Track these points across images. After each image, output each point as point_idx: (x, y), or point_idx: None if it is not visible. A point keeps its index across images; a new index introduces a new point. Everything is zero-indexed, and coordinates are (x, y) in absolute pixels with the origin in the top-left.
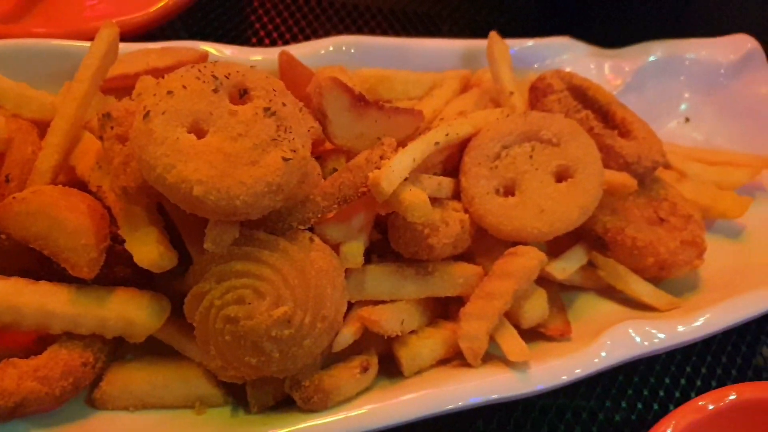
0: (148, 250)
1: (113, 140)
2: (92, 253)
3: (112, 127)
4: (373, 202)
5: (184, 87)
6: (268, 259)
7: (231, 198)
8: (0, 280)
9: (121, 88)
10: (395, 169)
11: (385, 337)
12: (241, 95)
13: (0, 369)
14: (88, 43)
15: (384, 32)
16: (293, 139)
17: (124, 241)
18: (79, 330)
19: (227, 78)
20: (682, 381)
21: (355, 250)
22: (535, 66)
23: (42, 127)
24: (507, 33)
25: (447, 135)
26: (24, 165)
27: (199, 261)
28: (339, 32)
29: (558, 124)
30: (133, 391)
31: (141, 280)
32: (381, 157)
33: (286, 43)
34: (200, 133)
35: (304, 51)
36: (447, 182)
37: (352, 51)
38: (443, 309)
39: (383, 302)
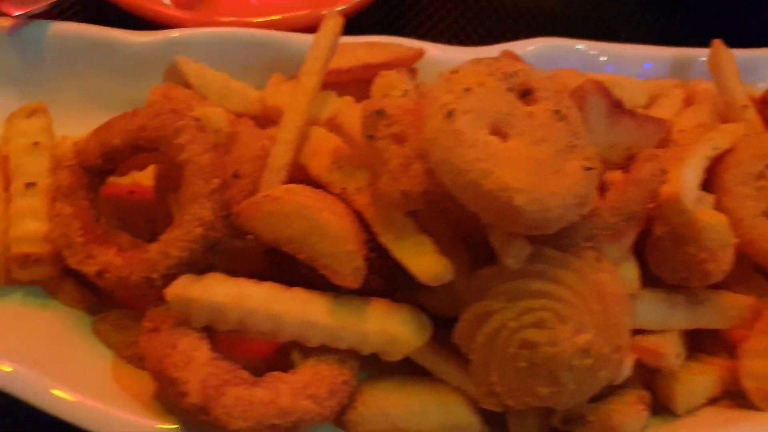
0: (427, 261)
1: (388, 140)
2: (357, 260)
3: (387, 126)
4: (640, 220)
5: (481, 85)
6: (566, 279)
7: (547, 210)
8: (255, 285)
9: (334, 83)
10: (690, 185)
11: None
12: (524, 95)
13: (270, 384)
14: (291, 34)
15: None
16: (585, 146)
17: (374, 248)
18: (336, 344)
19: (514, 76)
20: None
21: (632, 273)
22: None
23: None
24: (691, 43)
25: (714, 149)
26: (255, 162)
27: (480, 276)
28: (508, 33)
29: None
30: (388, 414)
31: (389, 291)
32: (662, 171)
33: (461, 42)
34: (501, 136)
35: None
36: (708, 200)
37: (552, 53)
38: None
39: (647, 332)
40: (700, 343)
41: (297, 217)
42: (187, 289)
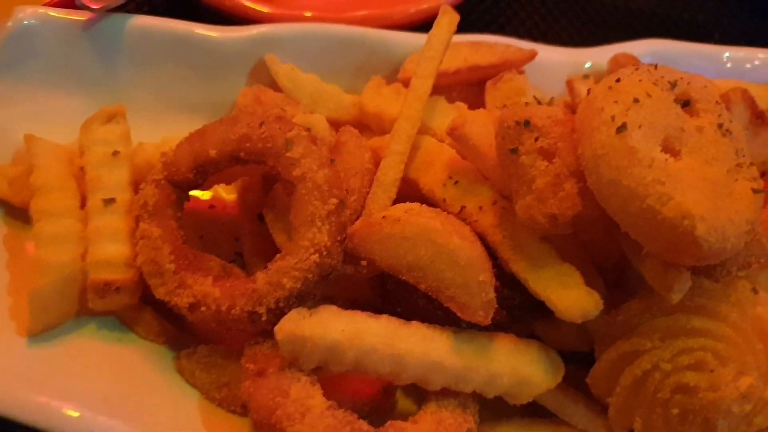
0: (574, 295)
1: (535, 155)
2: (490, 293)
3: (536, 139)
4: None
5: (649, 95)
6: (728, 315)
7: (725, 240)
8: (372, 320)
9: (435, 86)
10: None
11: None
12: (683, 106)
13: None
14: (386, 32)
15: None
16: (749, 164)
17: (498, 276)
18: (462, 386)
19: (677, 85)
20: None
21: None
22: None
23: (335, 128)
24: None
25: None
26: (363, 176)
27: (625, 311)
28: (597, 32)
29: None
30: None
31: (506, 324)
32: None
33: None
34: (672, 153)
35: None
36: None
37: (665, 55)
38: None
39: None
40: None
41: (422, 242)
42: (299, 326)
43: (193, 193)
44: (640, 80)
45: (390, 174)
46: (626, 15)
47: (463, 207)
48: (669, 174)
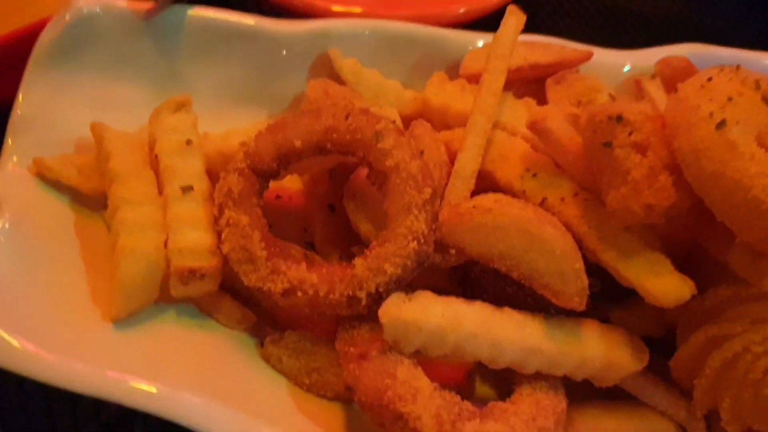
0: (667, 281)
1: (629, 149)
2: (584, 280)
3: (630, 133)
4: None
5: (741, 95)
6: None
7: None
8: (466, 306)
9: None
10: None
11: None
12: None
13: (500, 417)
14: (446, 30)
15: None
16: None
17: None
18: (554, 370)
19: (761, 86)
20: None
21: None
22: None
23: None
24: None
25: None
26: (441, 168)
27: (712, 297)
28: (625, 35)
29: None
30: None
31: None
32: None
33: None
34: (765, 148)
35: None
36: None
37: (707, 60)
38: None
39: None
40: None
41: (515, 232)
42: (402, 310)
43: None
44: (730, 80)
45: (468, 166)
46: (651, 21)
47: (544, 198)
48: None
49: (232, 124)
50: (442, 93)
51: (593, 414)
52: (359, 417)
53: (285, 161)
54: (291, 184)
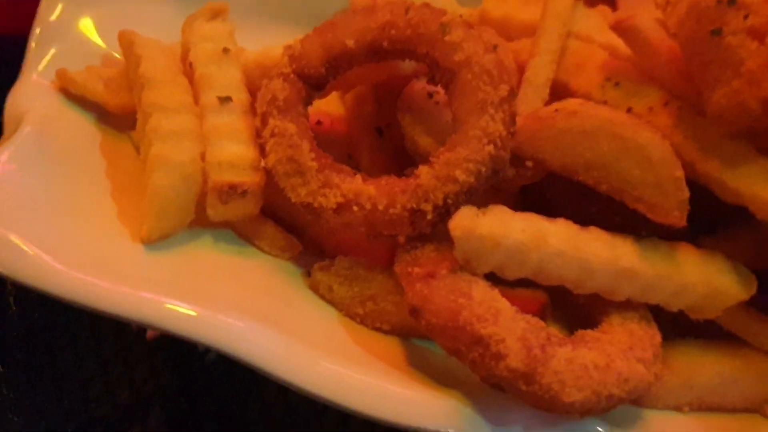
0: None
1: (743, 35)
2: (685, 191)
3: (745, 17)
4: None
5: None
6: None
7: None
8: (549, 222)
9: None
10: None
11: None
12: None
13: (595, 345)
14: None
15: None
16: None
17: None
18: (649, 297)
19: None
20: None
21: None
22: None
23: None
24: None
25: None
26: (511, 75)
27: None
28: None
29: None
30: (695, 384)
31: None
32: None
33: None
34: None
35: None
36: None
37: None
38: None
39: None
40: None
41: (605, 136)
42: (476, 224)
43: None
44: None
45: (542, 73)
46: None
47: (629, 109)
48: None
49: (270, 44)
50: (503, 4)
51: (690, 351)
52: (421, 353)
53: (335, 66)
54: (333, 108)
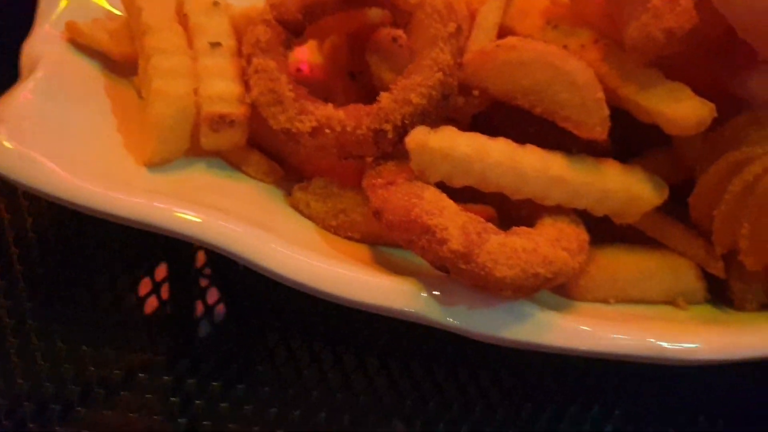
0: (688, 105)
1: None
2: (605, 109)
3: None
4: None
5: None
6: None
7: None
8: (490, 140)
9: None
10: None
11: None
12: None
13: (525, 235)
14: None
15: None
16: None
17: None
18: (575, 203)
19: None
20: None
21: None
22: None
23: None
24: None
25: None
26: (463, 21)
27: (732, 126)
28: None
29: None
30: (619, 279)
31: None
32: None
33: None
34: None
35: None
36: None
37: None
38: None
39: None
40: None
41: (539, 66)
42: (429, 138)
43: None
44: None
45: (490, 18)
46: None
47: (564, 47)
48: None
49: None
50: None
51: (614, 250)
52: (385, 255)
53: (310, 13)
54: (312, 57)
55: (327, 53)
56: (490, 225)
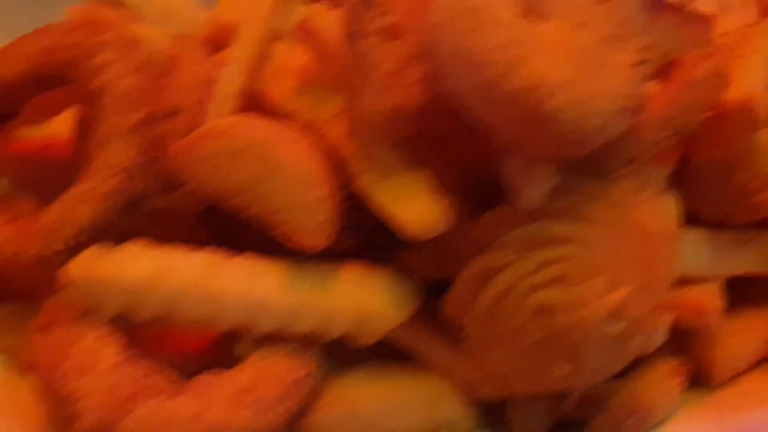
0: (419, 208)
1: (377, 38)
2: (322, 212)
3: (376, 18)
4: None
5: None
6: (599, 217)
7: (589, 116)
8: (186, 256)
9: None
10: (759, 90)
11: None
12: None
13: (199, 391)
14: None
15: None
16: (632, 37)
17: (351, 195)
18: (295, 328)
19: None
20: None
21: (671, 207)
22: None
23: None
24: None
25: None
26: (198, 91)
27: (484, 223)
28: None
29: None
30: (358, 415)
31: (363, 252)
32: (722, 72)
33: None
34: (534, 18)
35: None
36: None
37: None
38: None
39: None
40: (743, 293)
41: (249, 156)
42: (94, 265)
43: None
44: None
45: (229, 85)
46: None
47: (314, 117)
48: (522, 38)
49: None
50: (232, 8)
51: (351, 380)
52: None
53: (3, 98)
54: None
55: (76, 128)
56: (160, 381)
